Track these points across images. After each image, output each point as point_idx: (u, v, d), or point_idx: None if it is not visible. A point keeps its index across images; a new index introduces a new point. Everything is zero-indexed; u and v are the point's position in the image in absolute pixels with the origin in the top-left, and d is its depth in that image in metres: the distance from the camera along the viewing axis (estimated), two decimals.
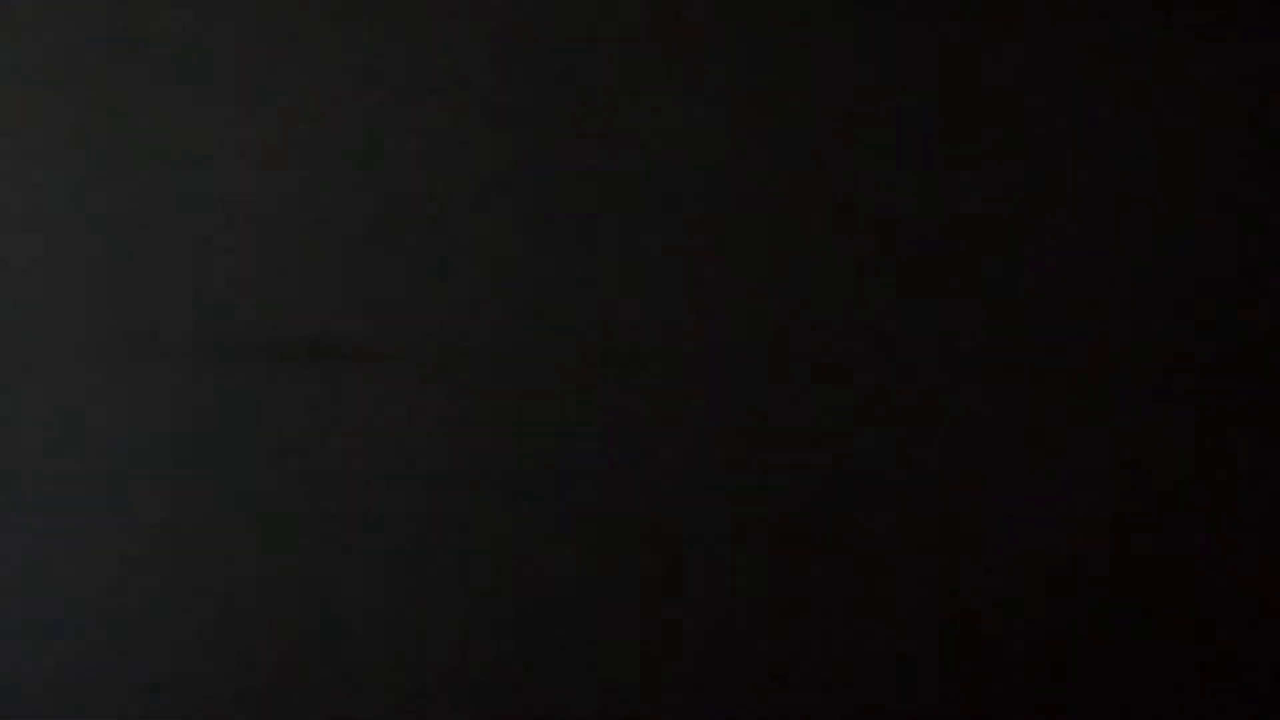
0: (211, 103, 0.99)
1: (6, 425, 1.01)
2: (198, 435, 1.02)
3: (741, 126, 0.98)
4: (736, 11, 0.97)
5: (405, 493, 1.02)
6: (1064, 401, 0.98)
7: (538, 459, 1.01)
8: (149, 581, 1.03)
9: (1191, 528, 0.97)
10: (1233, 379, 0.97)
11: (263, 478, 1.02)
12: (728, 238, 0.98)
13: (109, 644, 1.04)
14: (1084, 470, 0.98)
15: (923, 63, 0.97)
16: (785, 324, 0.99)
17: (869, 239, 0.98)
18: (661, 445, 1.01)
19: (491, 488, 1.02)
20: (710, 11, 0.97)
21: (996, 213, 0.97)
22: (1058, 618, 0.98)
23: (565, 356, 1.00)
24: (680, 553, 1.01)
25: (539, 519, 1.02)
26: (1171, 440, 0.97)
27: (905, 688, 0.99)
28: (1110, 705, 0.98)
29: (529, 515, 1.02)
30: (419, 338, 1.01)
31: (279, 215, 1.00)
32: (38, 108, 0.99)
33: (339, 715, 1.03)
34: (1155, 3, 0.94)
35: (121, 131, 0.99)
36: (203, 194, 1.00)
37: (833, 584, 0.99)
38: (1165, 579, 0.97)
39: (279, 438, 1.01)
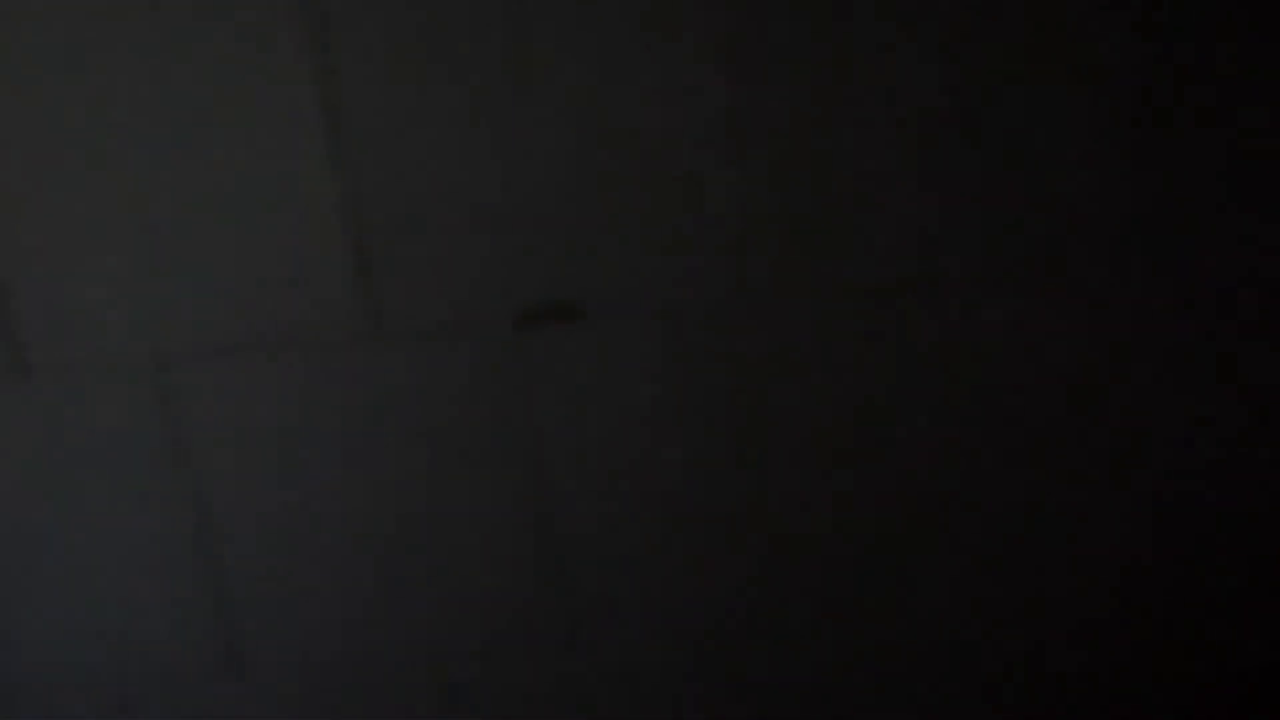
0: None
1: (256, 405, 1.03)
2: (452, 414, 1.03)
3: None
4: None
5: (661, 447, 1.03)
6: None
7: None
8: (415, 560, 1.08)
9: None
10: None
11: (523, 452, 1.04)
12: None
13: (377, 620, 1.10)
14: None
15: None
16: None
17: None
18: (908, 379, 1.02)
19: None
20: None
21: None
22: None
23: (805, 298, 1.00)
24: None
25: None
26: None
27: None
28: None
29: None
30: (652, 291, 1.00)
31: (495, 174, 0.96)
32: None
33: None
34: None
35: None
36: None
37: None
38: None
39: (529, 408, 1.03)
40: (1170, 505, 1.07)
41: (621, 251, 0.99)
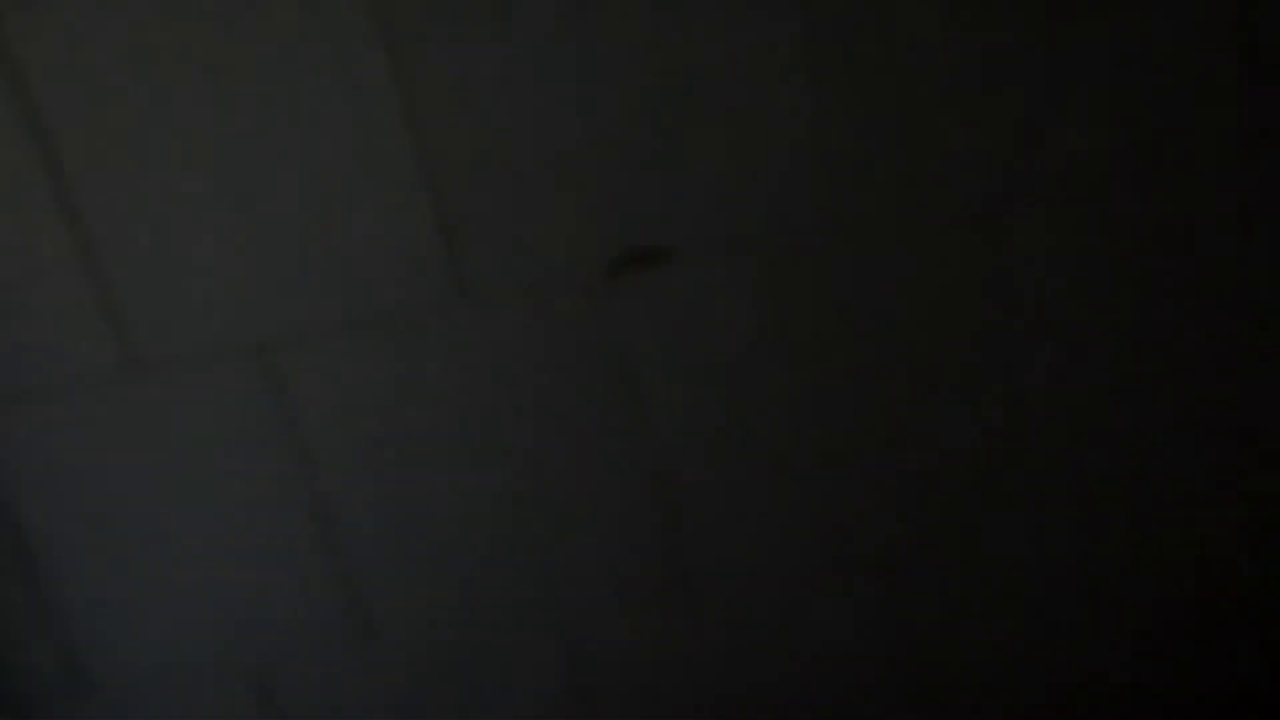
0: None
1: (357, 380, 1.04)
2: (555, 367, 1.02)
3: None
4: None
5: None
6: None
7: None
8: (528, 521, 1.09)
9: None
10: None
11: (624, 401, 1.03)
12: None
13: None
14: None
15: None
16: None
17: None
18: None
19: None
20: None
21: None
22: None
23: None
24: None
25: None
26: None
27: None
28: None
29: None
30: (739, 227, 0.98)
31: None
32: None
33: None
34: None
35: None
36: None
37: None
38: None
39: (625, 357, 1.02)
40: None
41: (704, 190, 0.97)
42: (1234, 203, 0.95)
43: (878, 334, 1.01)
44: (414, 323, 1.03)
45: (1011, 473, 1.05)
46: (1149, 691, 1.14)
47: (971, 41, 0.92)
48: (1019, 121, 0.93)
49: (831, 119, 0.94)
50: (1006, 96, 0.93)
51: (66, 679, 1.20)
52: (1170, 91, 0.92)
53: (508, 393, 1.04)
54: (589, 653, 1.15)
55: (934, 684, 1.14)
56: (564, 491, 1.08)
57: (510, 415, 1.05)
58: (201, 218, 0.99)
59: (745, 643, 1.13)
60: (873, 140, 0.95)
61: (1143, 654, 1.12)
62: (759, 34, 0.92)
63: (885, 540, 1.08)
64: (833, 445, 1.05)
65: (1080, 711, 1.15)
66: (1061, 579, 1.09)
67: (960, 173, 0.95)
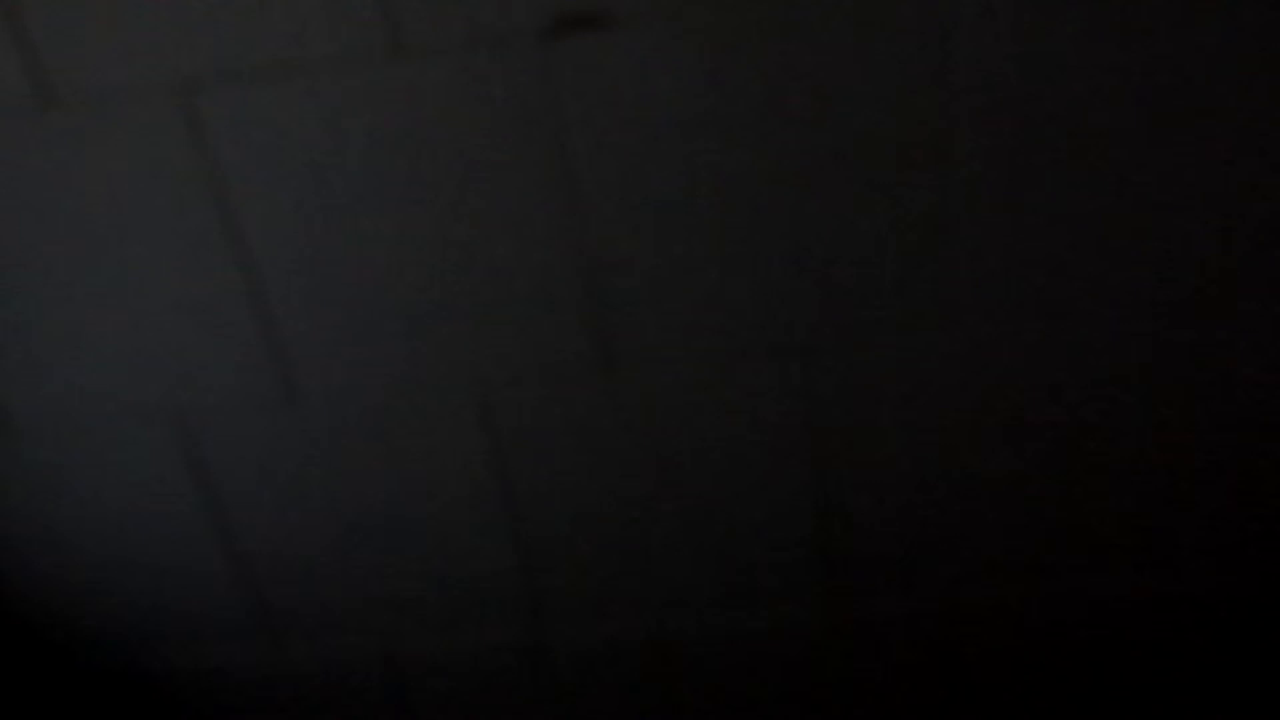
0: None
1: (283, 129, 1.01)
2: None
3: None
4: None
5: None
6: None
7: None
8: (450, 282, 1.09)
9: None
10: None
11: (556, 169, 1.03)
12: None
13: None
14: None
15: None
16: None
17: None
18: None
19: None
20: None
21: None
22: None
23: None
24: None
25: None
26: None
27: None
28: None
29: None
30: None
31: None
32: None
33: None
34: None
35: None
36: None
37: None
38: None
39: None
40: None
41: None
42: None
43: (814, 119, 1.00)
44: (343, 75, 0.99)
45: (930, 267, 1.07)
46: (1049, 482, 1.21)
47: None
48: None
49: None
50: None
51: None
52: None
53: (437, 154, 1.02)
54: (508, 423, 1.18)
55: (839, 458, 1.20)
56: (492, 260, 1.08)
57: (439, 178, 1.04)
58: None
59: (663, 421, 1.17)
60: None
61: (1047, 447, 1.18)
62: None
63: (806, 327, 1.10)
64: (763, 230, 1.05)
65: (975, 502, 1.22)
66: (971, 372, 1.13)
67: None
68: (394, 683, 1.39)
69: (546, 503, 1.24)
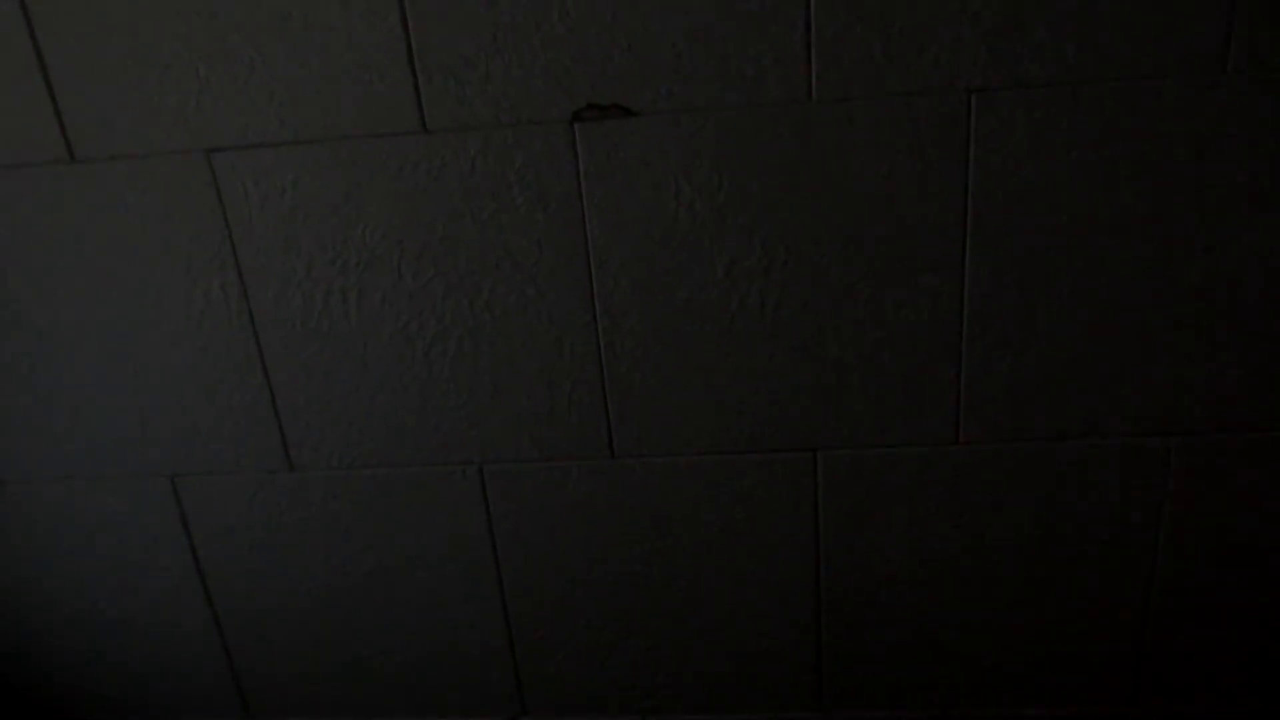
0: None
1: (302, 193, 1.00)
2: None
3: None
4: None
5: None
6: None
7: None
8: (460, 354, 1.09)
9: None
10: None
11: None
12: None
13: None
14: None
15: None
16: None
17: None
18: None
19: None
20: None
21: None
22: None
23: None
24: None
25: None
26: None
27: None
28: None
29: None
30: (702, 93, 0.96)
31: None
32: None
33: None
34: None
35: None
36: None
37: None
38: None
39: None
40: None
41: (673, 54, 0.95)
42: None
43: (812, 209, 1.00)
44: (367, 147, 1.01)
45: (941, 371, 1.06)
46: (1052, 598, 1.17)
47: None
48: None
49: None
50: None
51: None
52: None
53: (454, 228, 1.03)
54: (504, 501, 1.16)
55: (839, 559, 1.16)
56: (500, 338, 1.08)
57: (454, 251, 1.04)
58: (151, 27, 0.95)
59: (660, 507, 1.14)
60: (858, 14, 0.93)
61: (1054, 561, 1.15)
62: None
63: (812, 425, 1.09)
64: (773, 322, 1.05)
65: (977, 613, 1.18)
66: (977, 481, 1.12)
67: (946, 52, 0.94)
68: None
69: (539, 582, 1.21)
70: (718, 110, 0.96)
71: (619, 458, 1.13)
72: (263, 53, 0.98)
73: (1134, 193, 0.97)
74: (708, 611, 1.21)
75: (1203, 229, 0.97)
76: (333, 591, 1.24)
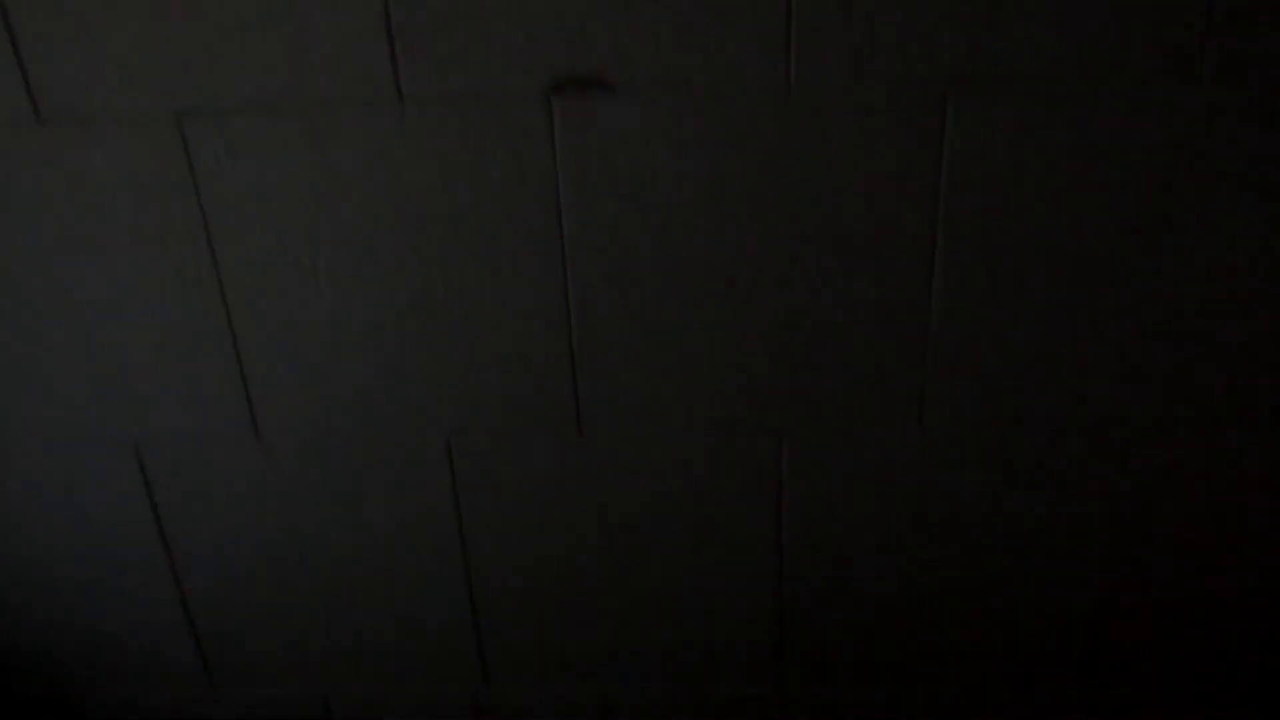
0: None
1: (272, 164, 1.00)
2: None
3: None
4: None
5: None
6: None
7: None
8: (432, 328, 1.08)
9: None
10: None
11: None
12: None
13: None
14: None
15: None
16: None
17: None
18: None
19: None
20: None
21: None
22: None
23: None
24: None
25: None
26: None
27: None
28: None
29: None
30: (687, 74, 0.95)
31: None
32: None
33: None
34: None
35: None
36: None
37: None
38: None
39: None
40: None
41: (654, 34, 0.94)
42: None
43: (807, 201, 1.00)
44: (340, 117, 0.99)
45: (911, 359, 1.07)
46: (1014, 582, 1.20)
47: None
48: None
49: None
50: None
51: None
52: None
53: (427, 200, 1.02)
54: (471, 474, 1.16)
55: (802, 540, 1.18)
56: (471, 310, 1.07)
57: (426, 226, 1.03)
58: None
59: (627, 485, 1.16)
60: (844, 10, 0.93)
61: (1016, 548, 1.18)
62: None
63: (782, 409, 1.10)
64: (746, 306, 1.05)
65: (938, 596, 1.20)
66: (945, 468, 1.13)
67: (928, 48, 0.94)
68: None
69: (504, 557, 1.22)
70: (697, 93, 0.96)
71: (586, 436, 1.14)
72: (236, 16, 0.96)
73: (1106, 191, 0.97)
74: (673, 588, 1.23)
75: (1172, 229, 0.98)
76: (298, 560, 1.25)
